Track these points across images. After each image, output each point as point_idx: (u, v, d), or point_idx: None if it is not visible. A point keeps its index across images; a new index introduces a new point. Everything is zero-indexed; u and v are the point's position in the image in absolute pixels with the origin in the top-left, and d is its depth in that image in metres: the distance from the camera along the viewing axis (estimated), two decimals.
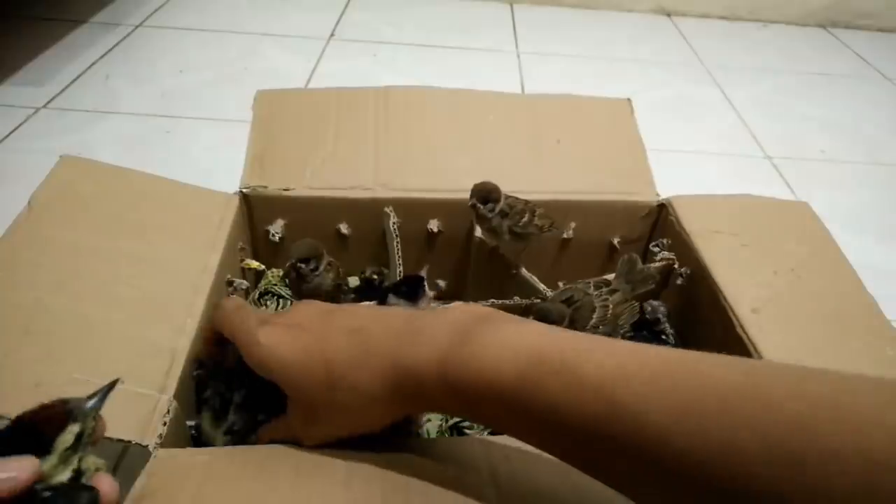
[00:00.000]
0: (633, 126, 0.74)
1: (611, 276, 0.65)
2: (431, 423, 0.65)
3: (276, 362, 0.38)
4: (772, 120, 1.44)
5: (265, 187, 0.66)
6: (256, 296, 0.70)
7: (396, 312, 0.40)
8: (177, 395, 0.44)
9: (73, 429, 0.30)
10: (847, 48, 1.85)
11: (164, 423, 0.42)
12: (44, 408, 0.30)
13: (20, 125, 1.16)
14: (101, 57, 1.42)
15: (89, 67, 1.37)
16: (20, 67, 1.34)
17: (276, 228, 0.68)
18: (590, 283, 0.61)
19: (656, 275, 0.64)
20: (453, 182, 0.67)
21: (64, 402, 0.31)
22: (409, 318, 0.38)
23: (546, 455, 0.33)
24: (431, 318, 0.37)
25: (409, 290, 0.56)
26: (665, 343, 0.65)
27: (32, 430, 0.30)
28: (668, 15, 1.97)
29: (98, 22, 1.56)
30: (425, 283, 0.57)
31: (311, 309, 0.42)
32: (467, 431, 0.63)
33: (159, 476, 0.37)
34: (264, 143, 0.69)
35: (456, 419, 0.65)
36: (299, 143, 0.70)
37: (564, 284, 0.74)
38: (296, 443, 0.40)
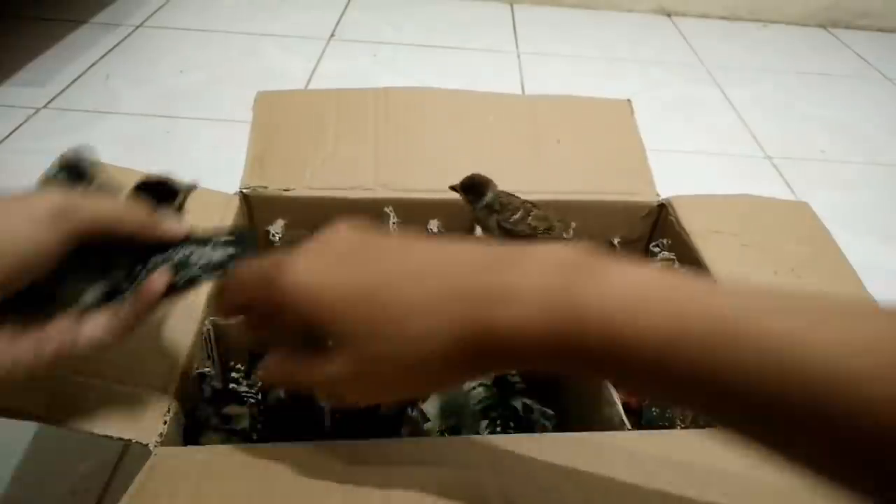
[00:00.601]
0: (633, 126, 0.74)
1: None
2: (431, 424, 0.65)
3: (315, 300, 0.32)
4: (772, 120, 1.44)
5: (265, 187, 0.66)
6: None
7: (465, 250, 0.32)
8: (177, 395, 0.44)
9: (180, 197, 0.47)
10: (847, 48, 1.85)
11: (165, 423, 0.42)
12: (159, 177, 0.48)
13: (20, 125, 1.16)
14: (102, 57, 1.42)
15: (89, 67, 1.37)
16: (20, 67, 1.34)
17: (276, 229, 0.67)
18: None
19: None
20: (453, 182, 0.67)
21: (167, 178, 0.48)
22: (489, 258, 0.31)
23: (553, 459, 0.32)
24: (522, 259, 0.31)
25: None
26: None
27: (157, 192, 0.45)
28: (668, 15, 1.97)
29: (98, 22, 1.56)
30: None
31: (355, 240, 0.35)
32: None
33: (159, 474, 0.37)
34: (264, 143, 0.69)
35: (452, 422, 0.65)
36: (299, 143, 0.70)
37: None
38: (334, 396, 0.35)
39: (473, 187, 0.62)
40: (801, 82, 1.63)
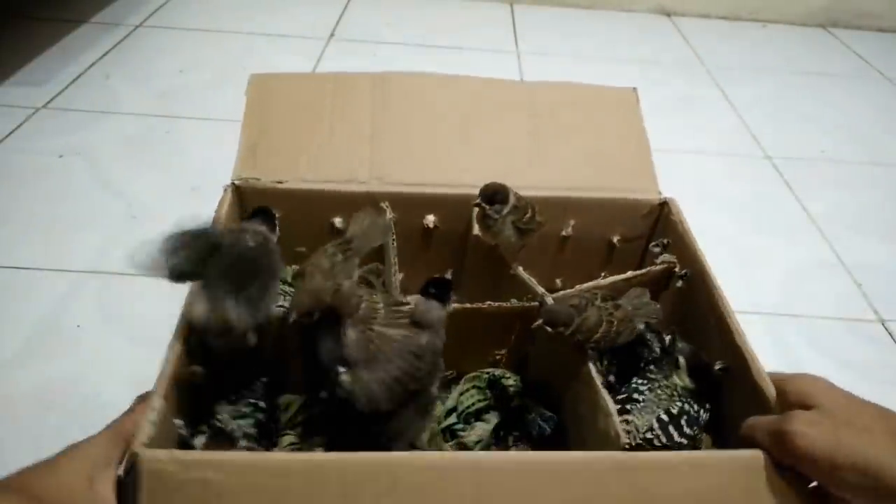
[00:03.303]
0: (638, 117, 0.72)
1: (614, 277, 0.64)
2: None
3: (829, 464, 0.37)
4: (772, 120, 1.43)
5: (258, 179, 0.64)
6: None
7: None
8: (166, 396, 0.43)
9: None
10: (847, 48, 1.85)
11: (153, 423, 0.40)
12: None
13: (20, 125, 1.15)
14: (101, 57, 1.42)
15: (89, 67, 1.37)
16: (20, 67, 1.34)
17: None
18: (597, 294, 0.58)
19: (660, 314, 0.62)
20: (450, 177, 0.65)
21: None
22: None
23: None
24: None
25: (439, 293, 0.53)
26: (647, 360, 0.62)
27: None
28: (668, 15, 1.97)
29: (98, 22, 1.56)
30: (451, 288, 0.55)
31: (850, 406, 0.41)
32: (461, 434, 0.61)
33: (146, 481, 0.36)
34: (258, 130, 0.67)
35: (450, 422, 0.63)
36: (294, 131, 0.68)
37: (562, 282, 0.72)
38: None
39: (494, 196, 0.61)
40: (801, 82, 1.63)
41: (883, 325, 0.93)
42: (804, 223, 1.13)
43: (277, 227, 0.57)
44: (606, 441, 0.50)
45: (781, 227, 1.11)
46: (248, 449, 0.51)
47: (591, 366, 0.55)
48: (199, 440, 0.49)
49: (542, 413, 0.62)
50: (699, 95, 1.52)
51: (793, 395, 0.44)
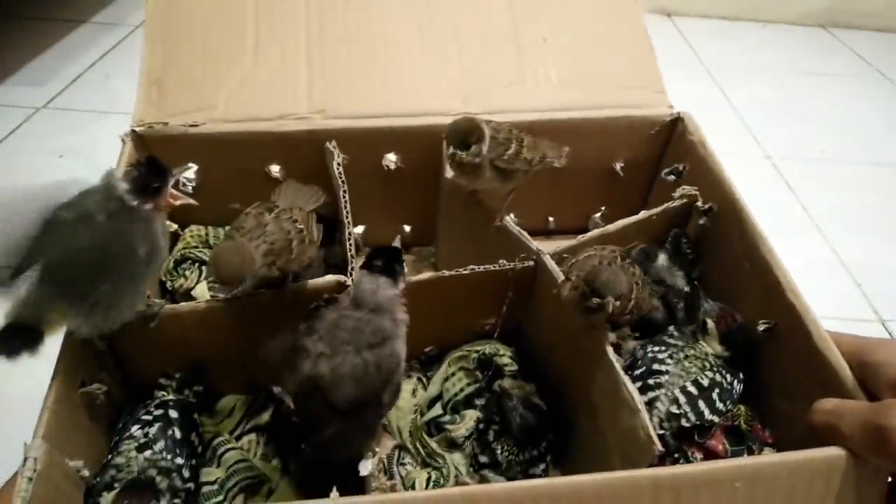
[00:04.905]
0: (638, 16, 0.59)
1: (624, 221, 0.55)
2: (403, 422, 0.55)
3: None
4: (772, 120, 1.43)
5: (165, 123, 0.51)
6: (171, 265, 0.56)
7: None
8: (48, 435, 0.33)
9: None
10: (847, 48, 1.85)
11: (30, 479, 0.32)
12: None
13: (20, 125, 1.15)
14: (101, 57, 1.42)
15: (89, 67, 1.37)
16: (20, 67, 1.34)
17: (189, 175, 0.54)
18: (616, 252, 0.48)
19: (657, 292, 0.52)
20: (413, 103, 0.53)
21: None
22: None
23: None
24: None
25: (388, 266, 0.42)
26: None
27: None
28: (668, 15, 1.97)
29: (98, 22, 1.56)
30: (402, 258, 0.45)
31: None
32: (448, 427, 0.55)
33: None
34: (163, 59, 0.53)
35: (434, 414, 0.55)
36: (209, 55, 0.53)
37: (555, 222, 0.61)
38: None
39: (471, 136, 0.48)
40: (800, 82, 1.63)
41: (883, 325, 0.93)
42: (804, 223, 1.13)
43: (166, 187, 0.41)
44: (634, 443, 0.40)
45: (781, 227, 1.10)
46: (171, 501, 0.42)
47: (609, 347, 0.44)
48: (107, 498, 0.39)
49: (525, 399, 0.52)
50: (699, 95, 1.52)
51: (891, 370, 0.34)
